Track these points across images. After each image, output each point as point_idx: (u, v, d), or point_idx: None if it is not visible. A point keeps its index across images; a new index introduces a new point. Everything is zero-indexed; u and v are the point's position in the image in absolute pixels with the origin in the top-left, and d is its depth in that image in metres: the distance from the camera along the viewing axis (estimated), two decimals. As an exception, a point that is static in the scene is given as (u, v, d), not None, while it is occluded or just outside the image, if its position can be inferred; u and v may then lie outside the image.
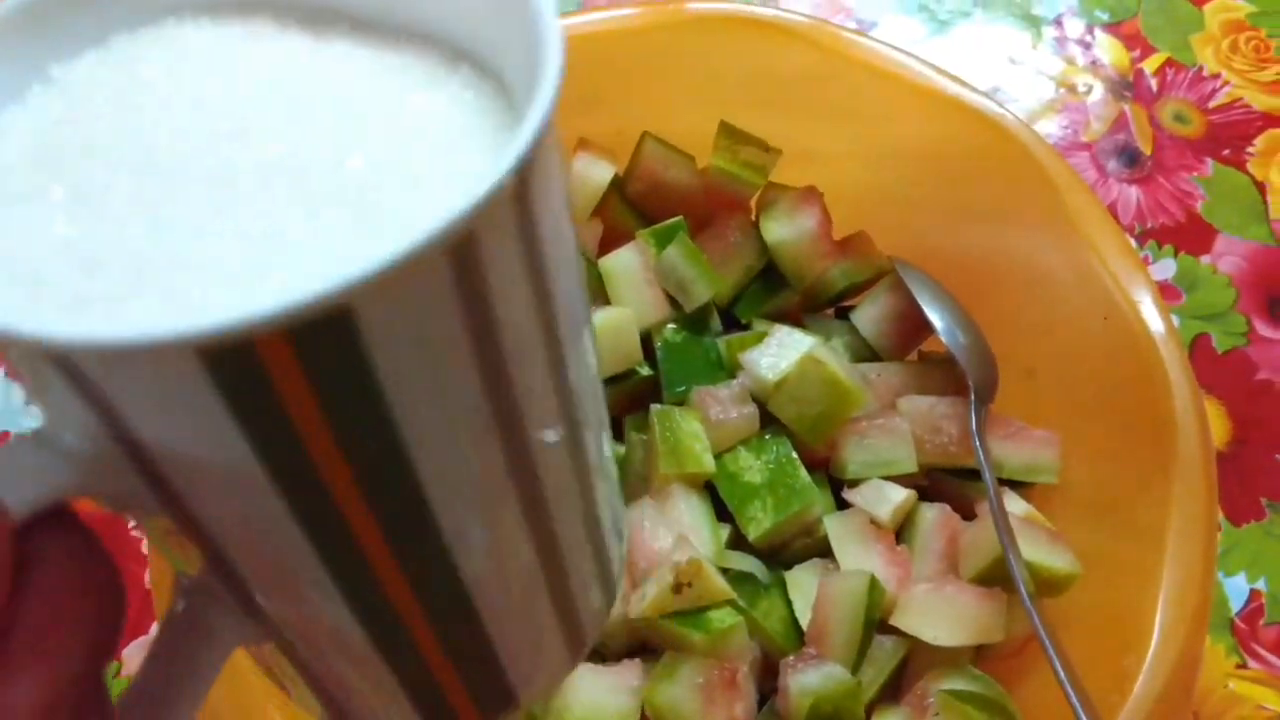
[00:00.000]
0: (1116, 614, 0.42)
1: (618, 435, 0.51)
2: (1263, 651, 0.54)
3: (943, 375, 0.51)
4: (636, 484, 0.49)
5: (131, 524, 0.57)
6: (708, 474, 0.47)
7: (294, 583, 0.19)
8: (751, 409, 0.48)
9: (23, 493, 0.16)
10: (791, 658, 0.43)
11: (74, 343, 0.15)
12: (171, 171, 0.18)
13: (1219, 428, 0.60)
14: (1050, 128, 0.72)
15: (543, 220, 0.18)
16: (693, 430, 0.47)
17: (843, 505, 0.49)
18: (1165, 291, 0.65)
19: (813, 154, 0.54)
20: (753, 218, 0.54)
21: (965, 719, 0.41)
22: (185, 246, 0.17)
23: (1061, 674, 0.39)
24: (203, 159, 0.18)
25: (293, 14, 0.21)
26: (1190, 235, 0.67)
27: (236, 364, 0.15)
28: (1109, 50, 0.76)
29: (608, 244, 0.53)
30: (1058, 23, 0.77)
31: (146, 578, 0.54)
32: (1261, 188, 0.69)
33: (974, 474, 0.48)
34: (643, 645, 0.46)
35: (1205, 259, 0.66)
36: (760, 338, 0.50)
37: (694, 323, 0.52)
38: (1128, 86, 0.74)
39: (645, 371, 0.51)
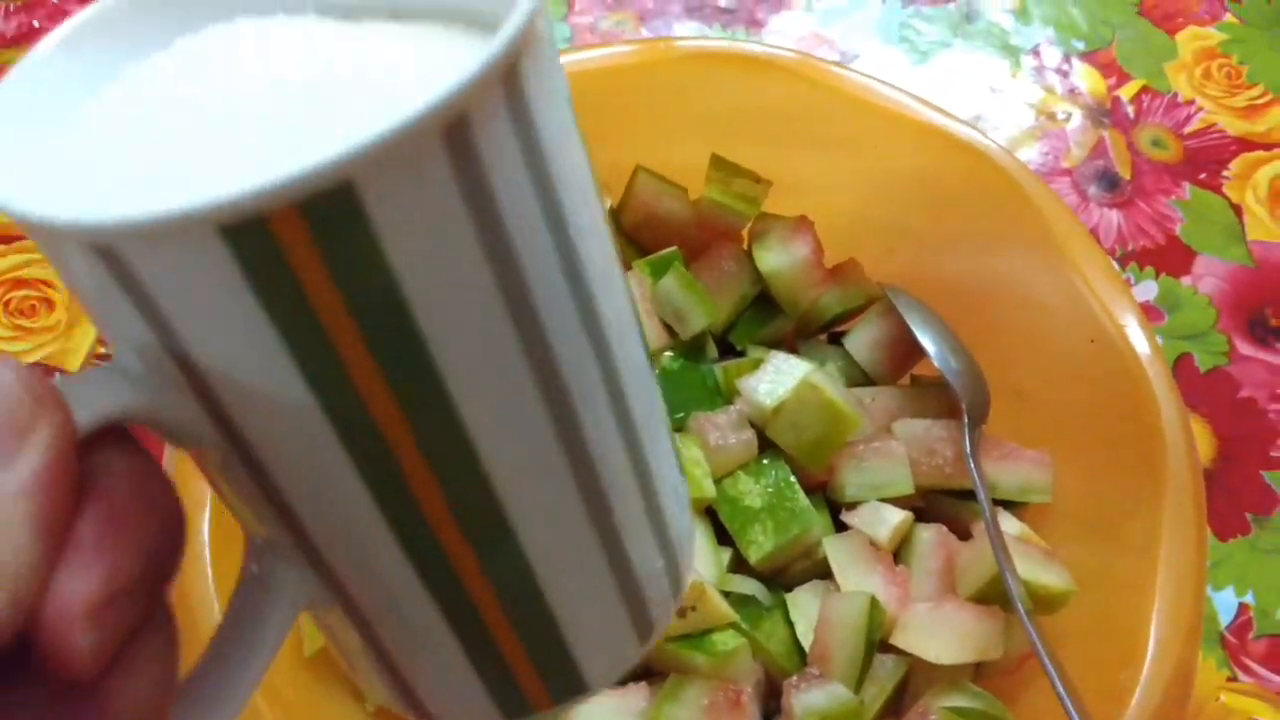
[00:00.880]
0: (1112, 629, 0.43)
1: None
2: (1253, 664, 0.55)
3: (936, 398, 0.52)
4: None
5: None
6: (708, 499, 0.48)
7: (344, 519, 0.20)
8: (750, 434, 0.49)
9: (90, 410, 0.18)
10: (795, 678, 0.44)
11: (104, 225, 0.17)
12: (219, 117, 0.20)
13: (1204, 445, 0.61)
14: (1031, 154, 0.73)
15: (539, 112, 0.19)
16: (692, 456, 0.48)
17: (841, 527, 0.49)
18: (1148, 312, 0.66)
19: (803, 184, 0.55)
20: (745, 247, 0.55)
21: (967, 735, 0.42)
22: (221, 162, 0.19)
23: (1060, 689, 0.40)
24: (251, 104, 0.20)
25: (332, 12, 0.23)
26: (1170, 257, 0.69)
27: (256, 243, 0.16)
28: (1086, 78, 0.78)
29: (604, 275, 0.54)
30: (1035, 52, 0.79)
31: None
32: (1238, 209, 0.71)
33: (969, 495, 0.49)
34: (648, 669, 0.46)
35: (1186, 280, 0.68)
36: (756, 364, 0.51)
37: (691, 350, 0.53)
38: (1105, 113, 0.76)
39: (644, 399, 0.51)
